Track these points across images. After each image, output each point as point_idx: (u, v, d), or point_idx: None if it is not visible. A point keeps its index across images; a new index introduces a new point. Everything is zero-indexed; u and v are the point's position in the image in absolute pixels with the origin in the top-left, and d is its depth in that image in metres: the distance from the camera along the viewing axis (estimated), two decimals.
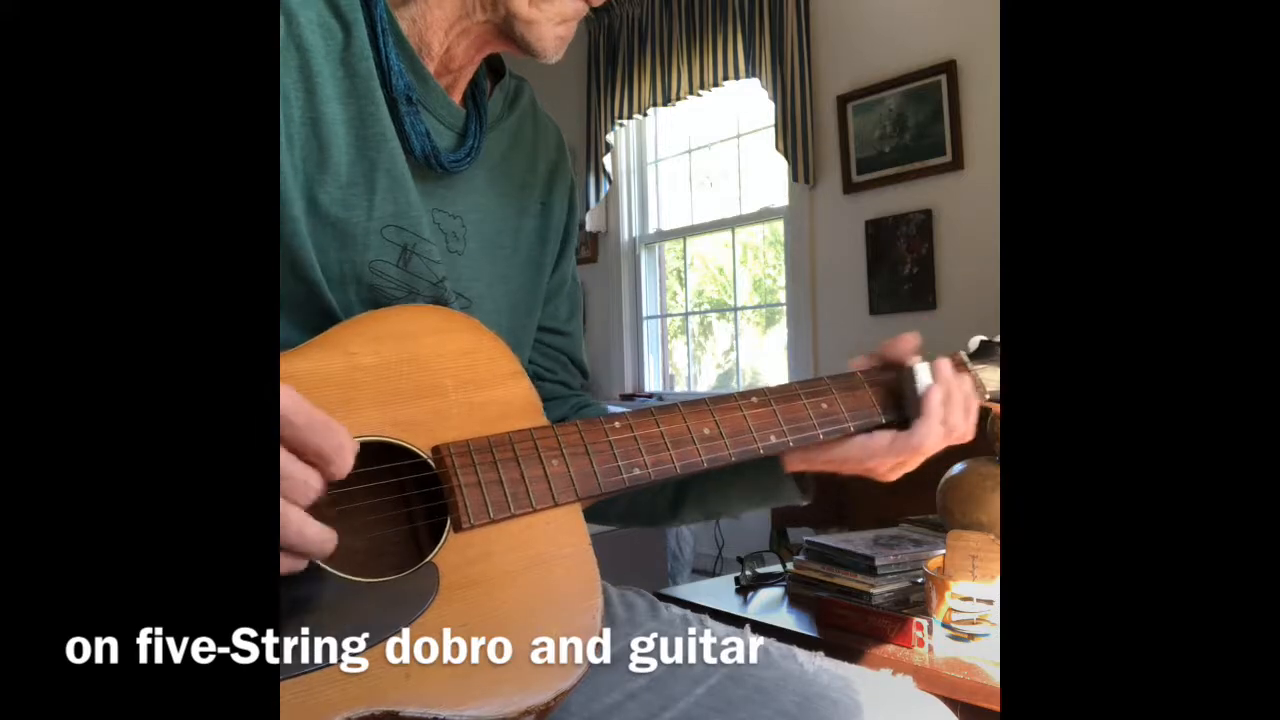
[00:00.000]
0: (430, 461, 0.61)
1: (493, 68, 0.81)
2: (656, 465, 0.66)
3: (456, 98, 0.75)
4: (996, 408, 0.77)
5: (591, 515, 0.82)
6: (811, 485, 0.79)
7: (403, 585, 0.57)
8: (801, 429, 0.71)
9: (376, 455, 0.59)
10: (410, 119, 0.69)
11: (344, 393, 0.59)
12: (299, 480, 0.51)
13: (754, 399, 0.71)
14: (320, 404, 0.58)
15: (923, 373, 0.72)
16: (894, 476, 0.75)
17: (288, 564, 0.52)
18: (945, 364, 0.73)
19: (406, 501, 0.61)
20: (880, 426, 0.73)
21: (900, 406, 0.73)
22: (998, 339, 0.77)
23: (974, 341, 0.78)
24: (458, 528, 0.59)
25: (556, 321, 0.87)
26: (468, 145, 0.73)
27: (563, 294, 0.87)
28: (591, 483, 0.64)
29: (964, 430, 0.73)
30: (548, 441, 0.63)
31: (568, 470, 0.63)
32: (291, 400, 0.51)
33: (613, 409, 0.77)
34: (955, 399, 0.72)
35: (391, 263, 0.68)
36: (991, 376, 0.76)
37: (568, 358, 0.88)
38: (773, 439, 0.70)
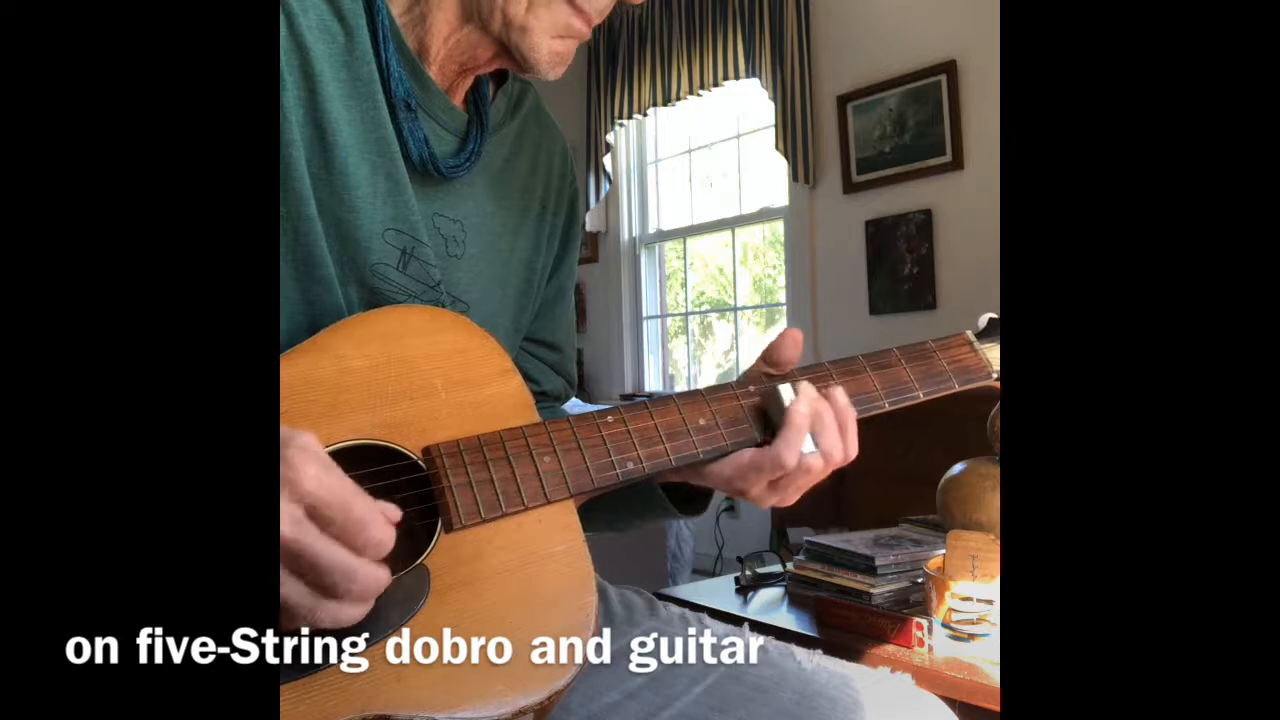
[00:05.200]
0: (421, 463, 0.61)
1: (496, 71, 0.80)
2: (651, 459, 0.65)
3: (458, 100, 0.75)
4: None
5: None
6: (703, 498, 0.74)
7: (393, 588, 0.57)
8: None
9: (367, 458, 0.59)
10: (408, 125, 0.69)
11: (333, 396, 0.59)
12: (371, 577, 0.51)
13: (751, 388, 0.70)
14: (309, 409, 0.58)
15: (786, 392, 0.68)
16: (767, 502, 0.69)
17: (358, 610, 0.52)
18: (807, 385, 0.68)
19: (399, 504, 0.61)
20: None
21: (767, 426, 0.69)
22: None
23: (983, 319, 0.77)
24: (449, 528, 0.59)
25: (551, 336, 0.86)
26: (468, 150, 0.73)
27: (559, 306, 0.86)
28: (584, 479, 0.63)
29: (840, 452, 0.67)
30: (539, 438, 0.63)
31: (560, 467, 0.62)
32: (326, 491, 0.50)
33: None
34: (825, 419, 0.67)
35: (392, 266, 0.68)
36: (999, 356, 0.74)
37: (555, 370, 0.87)
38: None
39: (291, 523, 0.49)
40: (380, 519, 0.51)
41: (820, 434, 0.67)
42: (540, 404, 0.85)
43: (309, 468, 0.49)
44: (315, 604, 0.50)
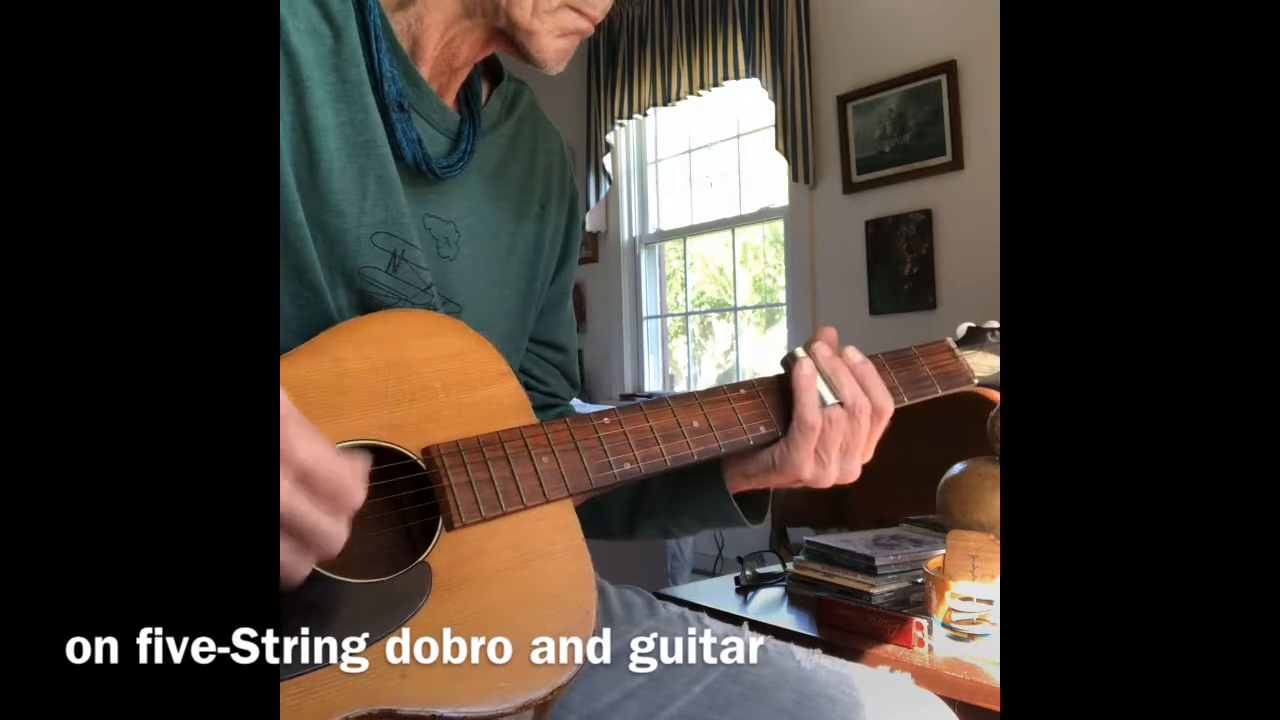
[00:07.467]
0: (420, 462, 0.61)
1: (491, 71, 0.80)
2: (647, 460, 0.66)
3: (450, 100, 0.75)
4: (985, 392, 0.78)
5: None
6: (765, 506, 0.76)
7: (395, 585, 0.57)
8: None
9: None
10: (402, 125, 0.68)
11: (332, 398, 0.59)
12: (333, 535, 0.52)
13: (742, 390, 0.71)
14: (308, 410, 0.58)
15: (799, 351, 0.71)
16: (824, 477, 0.71)
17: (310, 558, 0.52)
18: (819, 345, 0.71)
19: (399, 503, 0.61)
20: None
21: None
22: (985, 325, 0.78)
23: (962, 328, 0.80)
24: (450, 527, 0.59)
25: (556, 337, 0.86)
26: (460, 150, 0.73)
27: (563, 308, 0.86)
28: (583, 479, 0.64)
29: (864, 402, 0.69)
30: (537, 439, 0.64)
31: (558, 467, 0.63)
32: (315, 460, 0.51)
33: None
34: (840, 372, 0.70)
35: (381, 269, 0.68)
36: (979, 362, 0.77)
37: (561, 372, 0.88)
38: (762, 429, 0.70)
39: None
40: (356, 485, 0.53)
41: (838, 387, 0.70)
42: (553, 407, 0.86)
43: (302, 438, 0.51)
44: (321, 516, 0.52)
